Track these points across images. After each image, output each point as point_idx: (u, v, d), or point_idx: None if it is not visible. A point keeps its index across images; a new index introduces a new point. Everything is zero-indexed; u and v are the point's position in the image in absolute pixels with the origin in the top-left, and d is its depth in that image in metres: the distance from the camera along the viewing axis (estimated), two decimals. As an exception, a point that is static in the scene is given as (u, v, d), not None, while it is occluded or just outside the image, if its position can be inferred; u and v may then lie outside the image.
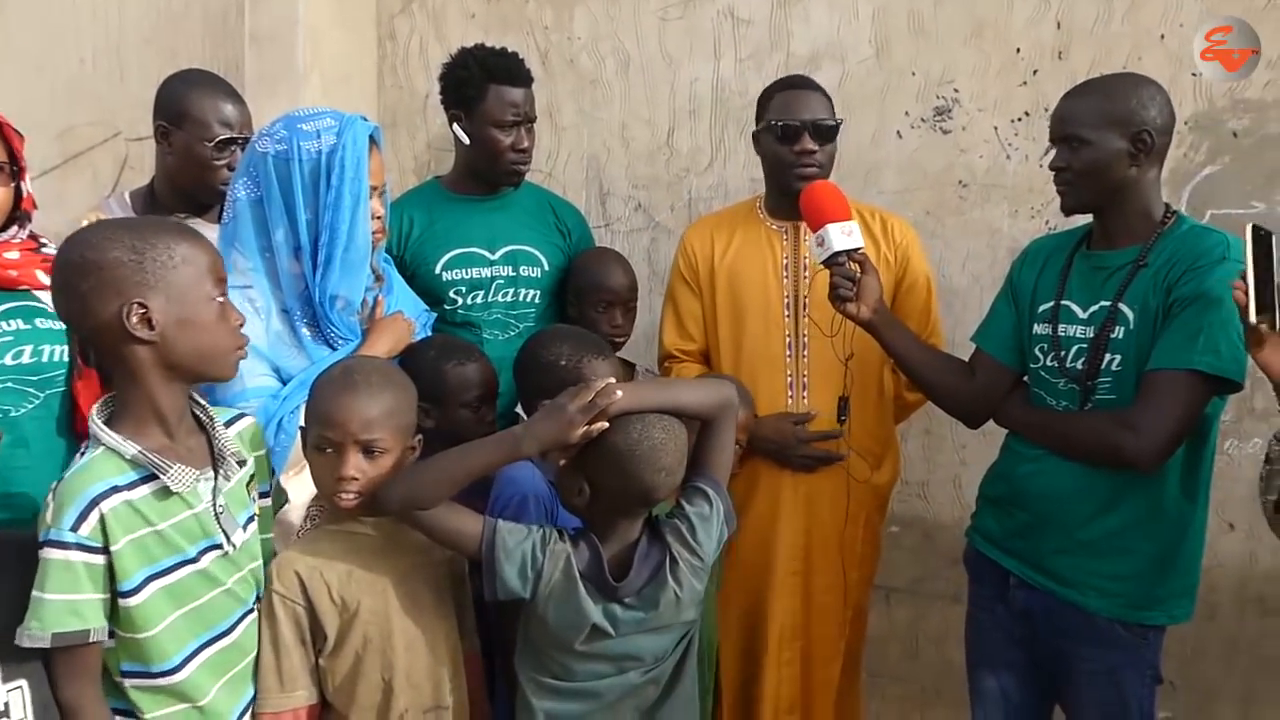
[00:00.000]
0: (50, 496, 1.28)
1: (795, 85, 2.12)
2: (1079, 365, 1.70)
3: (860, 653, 2.28)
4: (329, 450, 1.42)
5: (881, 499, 2.21)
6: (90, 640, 1.26)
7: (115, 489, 1.27)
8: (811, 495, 2.11)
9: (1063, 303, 1.75)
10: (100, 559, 1.26)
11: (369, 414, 1.40)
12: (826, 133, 2.06)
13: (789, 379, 2.11)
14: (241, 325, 1.40)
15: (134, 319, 1.26)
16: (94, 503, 1.25)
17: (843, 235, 1.82)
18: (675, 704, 1.52)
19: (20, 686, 1.27)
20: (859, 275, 1.84)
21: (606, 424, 1.38)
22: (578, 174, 2.80)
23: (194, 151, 2.01)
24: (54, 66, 3.22)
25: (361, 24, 2.92)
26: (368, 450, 1.41)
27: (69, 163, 3.24)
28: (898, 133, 2.48)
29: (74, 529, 1.24)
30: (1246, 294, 1.42)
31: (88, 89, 3.20)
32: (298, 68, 2.74)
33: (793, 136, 2.05)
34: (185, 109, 2.01)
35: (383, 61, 2.97)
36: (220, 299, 1.35)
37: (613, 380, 1.42)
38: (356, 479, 1.41)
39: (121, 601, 1.28)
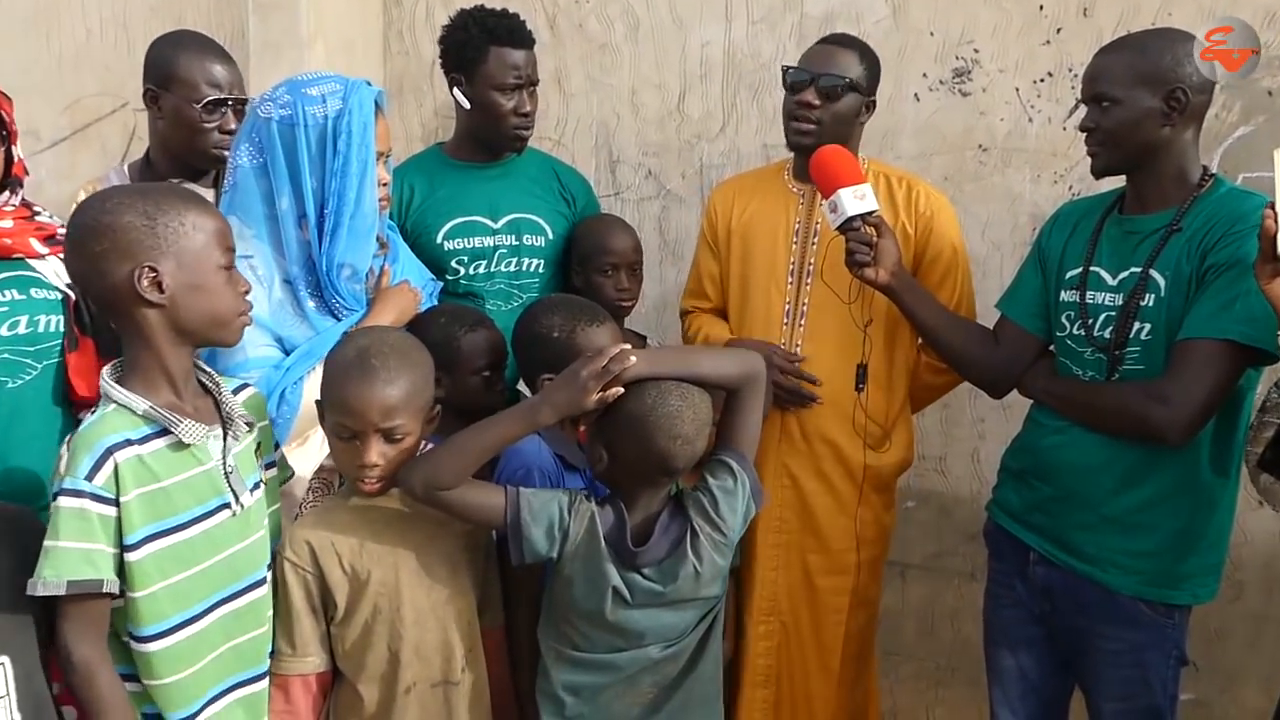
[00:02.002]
0: (64, 448, 1.29)
1: (825, 40, 2.04)
2: (1107, 334, 1.65)
3: (869, 641, 2.17)
4: (349, 437, 1.40)
5: (883, 481, 2.07)
6: (104, 590, 1.26)
7: (129, 441, 1.29)
8: (795, 469, 2.02)
9: (1092, 269, 1.69)
10: (112, 511, 1.27)
11: (389, 402, 1.38)
12: (828, 90, 1.93)
13: (781, 346, 2.01)
14: (247, 292, 1.41)
15: (145, 282, 1.28)
16: (109, 453, 1.26)
17: (855, 199, 1.77)
18: (695, 681, 1.51)
19: (3, 664, 1.26)
20: (875, 239, 1.78)
21: (621, 390, 1.38)
22: (586, 141, 2.74)
23: (183, 114, 1.95)
24: (61, 37, 3.19)
25: (367, -11, 2.86)
26: (389, 436, 1.40)
27: (78, 134, 3.22)
28: (915, 95, 2.41)
29: (89, 478, 1.25)
30: (1277, 221, 1.32)
31: (95, 60, 3.17)
32: (302, 35, 2.69)
33: (792, 87, 1.98)
34: (172, 71, 1.95)
35: (388, 27, 2.91)
36: (227, 265, 1.36)
37: (628, 346, 1.41)
38: (379, 465, 1.40)
39: (126, 556, 1.28)
